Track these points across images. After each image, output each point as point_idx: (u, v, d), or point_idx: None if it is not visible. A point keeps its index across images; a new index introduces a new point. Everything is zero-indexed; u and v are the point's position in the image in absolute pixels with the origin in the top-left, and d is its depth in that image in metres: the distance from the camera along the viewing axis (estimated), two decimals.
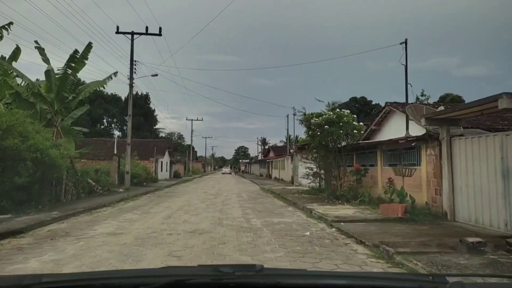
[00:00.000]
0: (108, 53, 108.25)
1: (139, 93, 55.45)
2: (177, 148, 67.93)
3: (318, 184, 19.05)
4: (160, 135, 65.11)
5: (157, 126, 65.78)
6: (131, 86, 23.21)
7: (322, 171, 17.88)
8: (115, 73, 19.40)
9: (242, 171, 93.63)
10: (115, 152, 25.27)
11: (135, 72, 23.37)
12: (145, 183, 26.65)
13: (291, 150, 32.73)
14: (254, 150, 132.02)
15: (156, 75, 26.33)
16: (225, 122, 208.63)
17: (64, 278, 1.64)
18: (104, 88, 19.47)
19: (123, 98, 55.41)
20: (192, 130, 63.32)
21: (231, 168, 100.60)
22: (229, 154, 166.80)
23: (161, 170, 39.26)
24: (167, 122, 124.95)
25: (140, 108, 54.85)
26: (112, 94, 58.46)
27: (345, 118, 15.47)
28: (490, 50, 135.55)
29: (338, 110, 16.32)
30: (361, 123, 16.74)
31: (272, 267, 4.74)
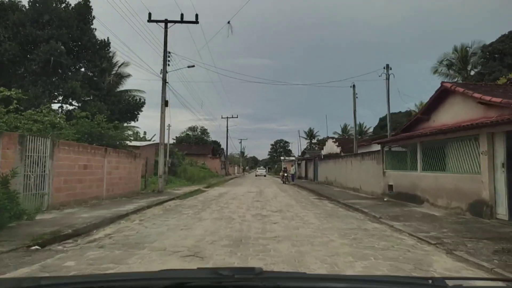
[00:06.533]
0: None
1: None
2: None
3: None
4: (129, 99, 27.06)
5: (127, 87, 29.99)
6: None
7: None
8: None
9: (287, 175, 37.67)
10: None
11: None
12: None
13: None
14: (296, 146, 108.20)
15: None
16: (257, 123, 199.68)
17: (62, 281, 1.62)
18: None
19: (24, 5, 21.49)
20: (165, 43, 19.66)
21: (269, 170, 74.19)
22: (260, 155, 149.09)
23: None
24: (203, 123, 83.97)
25: (66, 26, 21.00)
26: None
27: None
28: None
29: None
30: None
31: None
